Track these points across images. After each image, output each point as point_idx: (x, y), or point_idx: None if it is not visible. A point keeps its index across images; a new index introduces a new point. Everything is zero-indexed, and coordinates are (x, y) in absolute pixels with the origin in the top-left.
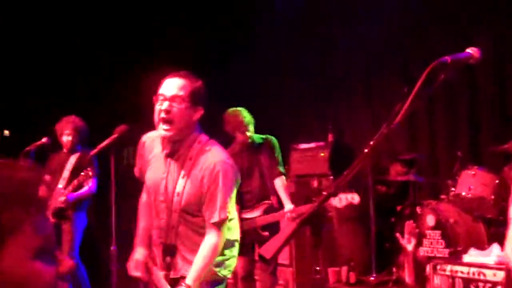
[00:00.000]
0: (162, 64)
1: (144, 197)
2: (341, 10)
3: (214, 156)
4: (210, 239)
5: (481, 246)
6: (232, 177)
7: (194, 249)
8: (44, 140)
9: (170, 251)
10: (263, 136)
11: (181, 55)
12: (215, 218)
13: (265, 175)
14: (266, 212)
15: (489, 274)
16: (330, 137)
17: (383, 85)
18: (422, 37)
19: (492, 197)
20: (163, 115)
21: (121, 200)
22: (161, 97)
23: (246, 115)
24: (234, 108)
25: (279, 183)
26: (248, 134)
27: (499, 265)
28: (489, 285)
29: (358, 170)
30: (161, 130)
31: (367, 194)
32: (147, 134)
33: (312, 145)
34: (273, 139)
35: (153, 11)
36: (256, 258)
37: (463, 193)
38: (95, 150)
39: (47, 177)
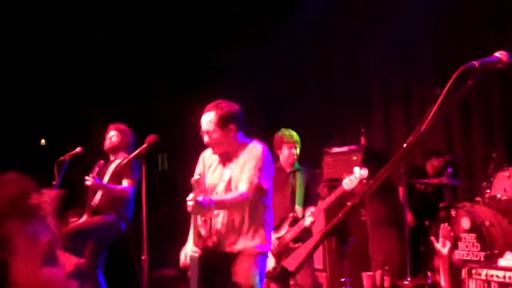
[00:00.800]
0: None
1: None
2: (375, 10)
3: (253, 145)
4: (241, 188)
5: None
6: (267, 155)
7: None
8: (78, 150)
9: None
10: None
11: None
12: (250, 177)
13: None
14: (292, 225)
15: None
16: (363, 141)
17: (418, 88)
18: (458, 40)
19: None
20: (207, 143)
21: (154, 208)
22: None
23: (294, 135)
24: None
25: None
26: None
27: None
28: None
29: (385, 177)
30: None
31: (399, 198)
32: (205, 151)
33: (344, 148)
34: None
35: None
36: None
37: (498, 195)
38: (127, 159)
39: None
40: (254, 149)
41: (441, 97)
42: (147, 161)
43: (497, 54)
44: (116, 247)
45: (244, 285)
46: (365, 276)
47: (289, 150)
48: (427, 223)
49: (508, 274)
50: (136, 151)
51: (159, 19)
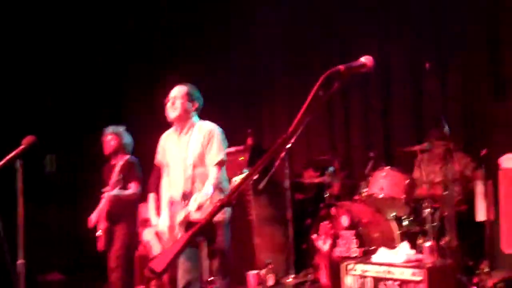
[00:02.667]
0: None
1: (163, 177)
2: (266, 15)
3: (208, 124)
4: (212, 174)
5: (393, 245)
6: (222, 135)
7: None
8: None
9: (187, 196)
10: None
11: None
12: (215, 159)
13: None
14: None
15: (397, 272)
16: (249, 141)
17: (304, 90)
18: (344, 41)
19: (403, 196)
20: (170, 106)
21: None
22: (170, 97)
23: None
24: None
25: None
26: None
27: (407, 263)
28: (397, 283)
29: (251, 178)
30: (170, 114)
31: (285, 198)
32: (161, 137)
33: (231, 149)
34: None
35: None
36: None
37: (375, 194)
38: (1, 162)
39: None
40: (213, 128)
41: (308, 100)
42: (35, 162)
43: (362, 59)
44: None
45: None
46: (250, 275)
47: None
48: (309, 221)
49: (381, 268)
50: (12, 153)
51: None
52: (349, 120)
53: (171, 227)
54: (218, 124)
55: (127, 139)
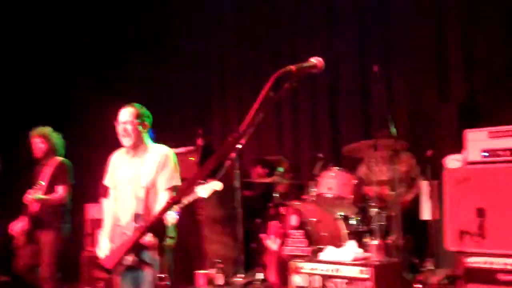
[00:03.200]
0: None
1: (109, 199)
2: (216, 15)
3: (162, 148)
4: (163, 199)
5: (340, 244)
6: (176, 160)
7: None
8: None
9: (138, 218)
10: None
11: None
12: (168, 184)
13: None
14: None
15: (345, 271)
16: (200, 141)
17: (254, 90)
18: (294, 44)
19: (351, 196)
20: (123, 133)
21: None
22: (120, 122)
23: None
24: None
25: None
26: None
27: (355, 261)
28: (345, 280)
29: (199, 176)
30: (125, 142)
31: (234, 197)
32: (113, 153)
33: (181, 149)
34: None
35: None
36: None
37: (324, 193)
38: None
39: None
40: (167, 153)
41: (258, 100)
42: None
43: (313, 59)
44: None
45: None
46: (199, 274)
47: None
48: (258, 221)
49: (329, 267)
50: None
51: None
52: (297, 121)
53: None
54: (168, 124)
55: (56, 140)
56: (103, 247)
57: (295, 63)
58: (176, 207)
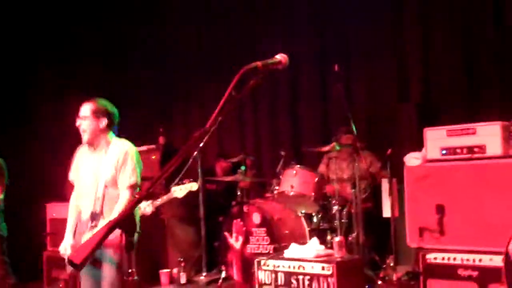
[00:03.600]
0: None
1: (73, 195)
2: (179, 12)
3: (123, 144)
4: (124, 197)
5: (303, 241)
6: (138, 157)
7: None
8: None
9: (95, 217)
10: None
11: None
12: (128, 182)
13: None
14: None
15: (308, 267)
16: (161, 140)
17: (216, 87)
18: (254, 42)
19: (313, 194)
20: (80, 127)
21: None
22: (79, 118)
23: None
24: None
25: None
26: None
27: (317, 258)
28: (308, 277)
29: (171, 172)
30: (83, 137)
31: (197, 196)
32: (79, 148)
33: (143, 148)
34: None
35: None
36: None
37: (286, 191)
38: None
39: None
40: (128, 149)
41: (224, 96)
42: None
43: (278, 56)
44: None
45: None
46: (162, 273)
47: None
48: (221, 219)
49: (292, 264)
50: None
51: None
52: (258, 119)
53: (74, 246)
54: (130, 123)
55: None
56: (66, 243)
57: (257, 61)
58: (150, 207)
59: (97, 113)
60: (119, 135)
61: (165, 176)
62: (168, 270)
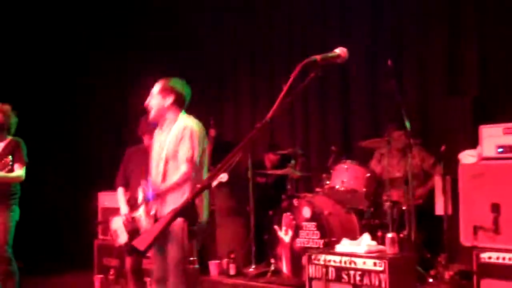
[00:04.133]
0: None
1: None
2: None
3: (187, 120)
4: (181, 170)
5: (353, 236)
6: (200, 132)
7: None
8: None
9: (144, 190)
10: None
11: None
12: (185, 156)
13: None
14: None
15: (359, 263)
16: (212, 132)
17: (267, 82)
18: (306, 36)
19: (364, 189)
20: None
21: None
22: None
23: None
24: None
25: None
26: None
27: (369, 254)
28: (359, 272)
29: (232, 163)
30: (150, 115)
31: (247, 188)
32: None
33: None
34: None
35: None
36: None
37: (337, 186)
38: None
39: None
40: (188, 125)
41: (285, 89)
42: None
43: (337, 50)
44: None
45: None
46: (212, 264)
47: (149, 141)
48: (271, 213)
49: (344, 259)
50: None
51: None
52: (308, 114)
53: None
54: None
55: (13, 118)
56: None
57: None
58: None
59: (164, 91)
60: None
61: (227, 167)
62: (218, 261)
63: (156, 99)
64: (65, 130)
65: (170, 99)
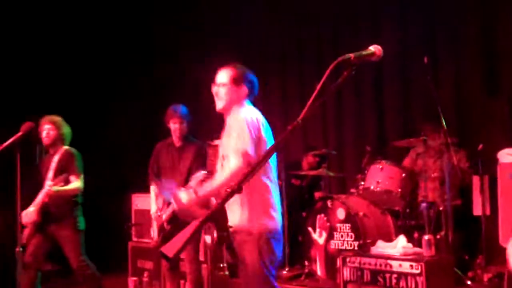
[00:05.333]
0: None
1: None
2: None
3: (240, 111)
4: (230, 163)
5: (389, 238)
6: (251, 124)
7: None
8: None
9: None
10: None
11: None
12: (232, 147)
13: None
14: (169, 204)
15: (395, 265)
16: None
17: (298, 83)
18: (338, 33)
19: (399, 190)
20: (215, 94)
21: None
22: (215, 85)
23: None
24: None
25: None
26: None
27: (405, 256)
28: (395, 275)
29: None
30: (217, 105)
31: (281, 189)
32: None
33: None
34: None
35: None
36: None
37: (372, 187)
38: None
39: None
40: (237, 117)
41: (318, 88)
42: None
43: (371, 47)
44: None
45: None
46: None
47: (174, 125)
48: (304, 214)
49: (379, 261)
50: (10, 140)
51: None
52: (341, 114)
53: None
54: (213, 116)
55: (65, 128)
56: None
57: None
58: None
59: (238, 80)
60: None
61: (259, 168)
62: None
63: (227, 88)
64: (99, 133)
65: (245, 89)
